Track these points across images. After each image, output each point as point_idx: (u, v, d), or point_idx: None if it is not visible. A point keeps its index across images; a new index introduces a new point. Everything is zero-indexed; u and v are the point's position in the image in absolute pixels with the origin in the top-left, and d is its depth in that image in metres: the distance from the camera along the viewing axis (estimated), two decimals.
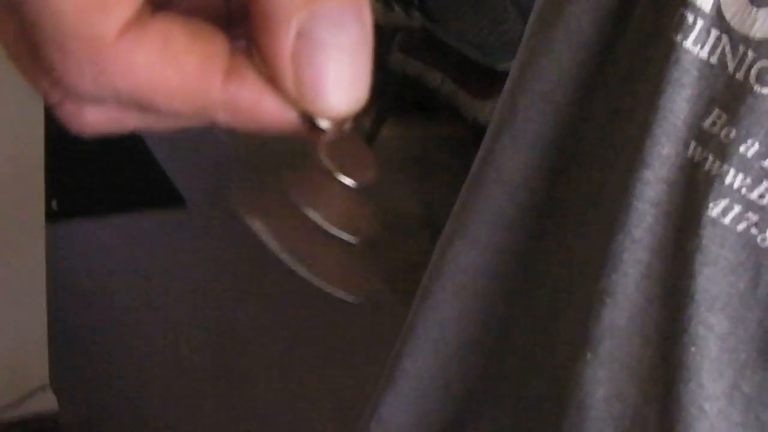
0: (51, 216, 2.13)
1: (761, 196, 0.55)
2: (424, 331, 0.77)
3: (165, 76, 0.24)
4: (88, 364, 2.51)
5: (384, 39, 4.33)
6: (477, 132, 3.31)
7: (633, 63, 0.60)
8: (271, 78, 0.24)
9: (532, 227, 0.68)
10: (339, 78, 0.24)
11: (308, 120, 0.25)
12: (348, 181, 0.28)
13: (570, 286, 0.63)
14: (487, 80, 3.19)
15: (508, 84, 0.70)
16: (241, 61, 0.25)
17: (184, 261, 2.93)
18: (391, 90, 3.72)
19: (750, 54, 0.54)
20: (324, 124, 0.25)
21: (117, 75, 0.24)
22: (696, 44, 0.56)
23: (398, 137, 4.10)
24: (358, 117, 0.25)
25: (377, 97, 4.14)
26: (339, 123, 0.25)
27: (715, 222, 0.56)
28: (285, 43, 0.24)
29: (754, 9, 0.54)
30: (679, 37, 0.56)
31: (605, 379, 0.59)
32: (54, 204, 2.73)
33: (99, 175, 3.20)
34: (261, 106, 0.25)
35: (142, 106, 0.25)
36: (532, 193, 0.68)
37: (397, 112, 3.88)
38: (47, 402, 2.25)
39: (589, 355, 0.59)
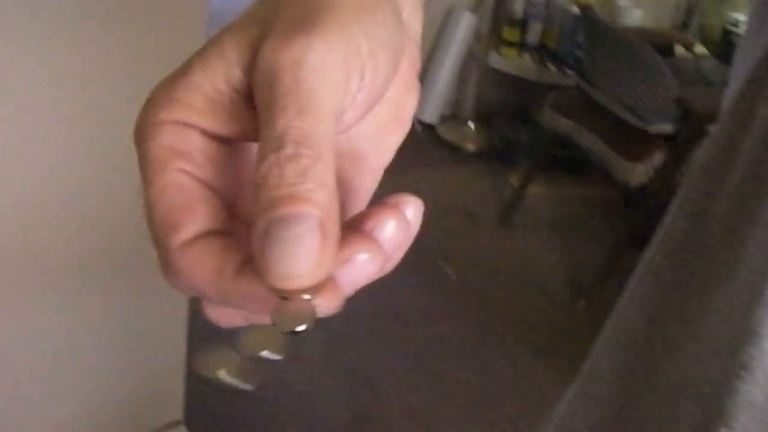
0: None
1: None
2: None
3: (200, 277, 0.36)
4: (222, 402, 2.55)
5: (537, 95, 4.32)
6: (627, 194, 3.26)
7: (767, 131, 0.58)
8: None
9: (668, 294, 0.66)
10: (283, 259, 0.33)
11: (282, 297, 0.35)
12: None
13: (704, 360, 0.60)
14: (639, 142, 3.14)
15: None
16: (245, 265, 0.36)
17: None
18: (542, 147, 3.70)
19: None
20: (291, 296, 0.35)
21: (175, 272, 0.36)
22: None
23: (546, 196, 4.07)
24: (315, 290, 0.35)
25: (528, 154, 4.12)
26: (298, 293, 0.35)
27: None
28: (256, 235, 0.34)
29: None
30: None
31: None
32: None
33: None
34: (254, 292, 0.35)
35: (203, 296, 0.38)
36: (668, 256, 0.66)
37: (547, 171, 3.85)
38: None
39: (722, 430, 0.57)
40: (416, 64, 0.44)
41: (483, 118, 4.57)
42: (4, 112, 1.62)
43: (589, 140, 3.31)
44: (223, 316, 0.39)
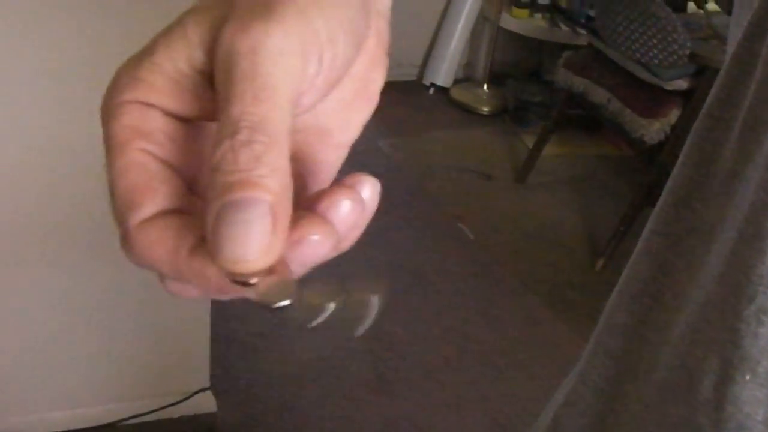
0: None
1: None
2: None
3: (156, 255, 0.37)
4: (247, 368, 2.57)
5: (550, 55, 4.31)
6: (642, 151, 3.26)
7: None
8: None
9: (677, 243, 0.67)
10: (233, 243, 0.34)
11: (233, 280, 0.36)
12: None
13: (713, 307, 0.61)
14: (655, 99, 3.14)
15: None
16: (200, 245, 0.37)
17: (345, 270, 2.96)
18: (556, 107, 3.69)
19: None
20: (241, 279, 0.35)
21: (133, 249, 0.38)
22: None
23: (561, 155, 4.07)
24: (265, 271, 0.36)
25: (541, 114, 4.11)
26: (247, 277, 0.35)
27: None
28: (209, 219, 0.35)
29: None
30: None
31: (765, 400, 0.58)
32: None
33: None
34: (207, 273, 0.36)
35: (161, 274, 0.39)
36: (677, 205, 0.67)
37: (561, 130, 3.85)
38: (207, 403, 2.32)
39: (747, 376, 0.58)
40: (384, 40, 0.45)
41: (496, 80, 4.56)
42: None
43: (603, 98, 3.30)
44: (182, 290, 0.40)
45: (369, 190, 0.40)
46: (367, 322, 0.41)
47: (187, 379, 2.28)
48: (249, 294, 0.36)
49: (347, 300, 0.40)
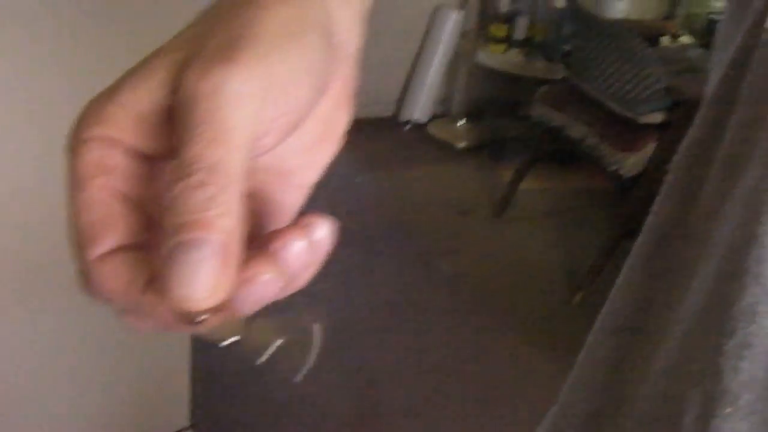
0: None
1: None
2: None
3: (111, 289, 0.38)
4: (228, 406, 2.56)
5: (526, 90, 4.33)
6: (619, 184, 3.27)
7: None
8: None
9: (657, 279, 0.67)
10: (183, 282, 0.35)
11: (185, 317, 0.36)
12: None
13: (695, 343, 0.61)
14: (630, 133, 3.16)
15: None
16: (154, 281, 0.38)
17: (322, 308, 2.95)
18: (534, 142, 3.71)
19: None
20: (191, 317, 0.36)
21: (89, 283, 0.39)
22: None
23: (539, 189, 4.08)
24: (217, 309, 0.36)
25: (518, 149, 4.13)
26: (197, 315, 0.36)
27: None
28: (161, 258, 0.36)
29: None
30: None
31: None
32: None
33: None
34: (159, 308, 0.37)
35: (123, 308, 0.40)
36: (657, 242, 0.67)
37: (538, 164, 3.87)
38: None
39: (729, 410, 0.58)
40: (350, 83, 0.46)
41: (473, 115, 4.58)
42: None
43: (580, 133, 3.32)
44: (137, 322, 0.40)
45: (322, 231, 0.40)
46: (314, 352, 0.43)
47: (168, 417, 2.27)
48: (198, 330, 0.37)
49: (292, 334, 0.41)
